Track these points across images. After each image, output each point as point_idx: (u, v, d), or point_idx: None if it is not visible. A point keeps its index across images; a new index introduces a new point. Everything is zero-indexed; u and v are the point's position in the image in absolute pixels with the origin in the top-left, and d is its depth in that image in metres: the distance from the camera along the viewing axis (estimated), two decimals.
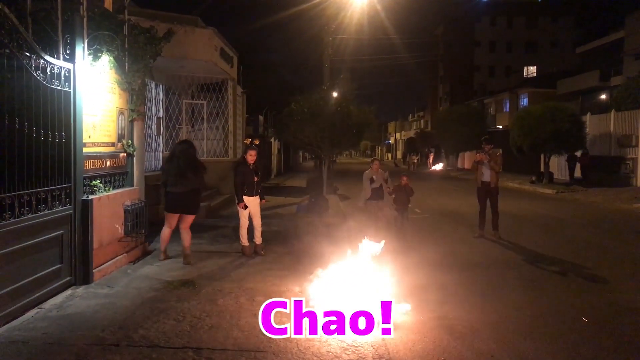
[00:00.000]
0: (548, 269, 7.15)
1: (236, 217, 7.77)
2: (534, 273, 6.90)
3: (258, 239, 7.67)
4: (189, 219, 7.13)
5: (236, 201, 7.57)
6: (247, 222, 7.57)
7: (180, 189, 6.94)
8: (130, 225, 6.86)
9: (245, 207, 7.46)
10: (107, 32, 6.17)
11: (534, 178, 22.39)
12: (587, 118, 22.60)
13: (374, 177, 8.56)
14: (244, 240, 7.57)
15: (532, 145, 21.24)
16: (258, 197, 7.65)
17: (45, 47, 5.29)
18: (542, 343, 4.39)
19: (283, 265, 6.95)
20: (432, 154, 42.62)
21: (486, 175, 9.18)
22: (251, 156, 7.52)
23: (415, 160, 42.78)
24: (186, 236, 7.05)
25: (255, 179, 7.51)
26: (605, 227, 11.28)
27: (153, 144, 12.93)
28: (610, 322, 4.94)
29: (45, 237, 5.10)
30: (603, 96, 32.30)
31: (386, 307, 4.30)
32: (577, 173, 22.02)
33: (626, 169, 19.78)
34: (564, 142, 20.44)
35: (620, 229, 11.04)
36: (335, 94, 16.82)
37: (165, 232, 7.10)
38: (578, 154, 21.62)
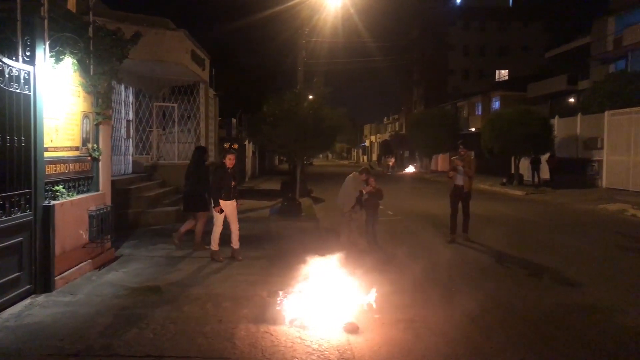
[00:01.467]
0: (515, 271, 7.27)
1: (209, 222, 7.70)
2: (501, 275, 7.01)
3: (235, 244, 7.62)
4: (197, 215, 8.04)
5: (212, 205, 7.52)
6: (222, 226, 7.52)
7: (185, 189, 8.23)
8: (96, 231, 6.73)
9: (221, 211, 7.42)
10: (69, 34, 6.04)
11: (504, 180, 22.83)
12: (556, 121, 23.14)
13: (362, 190, 8.62)
14: (215, 245, 7.50)
15: (503, 147, 21.67)
16: (235, 201, 7.62)
17: (4, 49, 5.16)
18: (505, 344, 4.46)
19: (253, 270, 6.90)
20: (392, 158, 43.82)
21: (459, 179, 9.27)
22: (230, 160, 7.52)
23: (391, 163, 43.24)
24: (197, 230, 8.04)
25: (233, 183, 7.48)
26: (572, 227, 11.54)
27: (122, 148, 12.72)
28: (575, 323, 5.03)
29: (3, 244, 4.95)
30: (571, 99, 33.12)
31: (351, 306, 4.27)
32: (545, 175, 22.49)
33: (592, 171, 20.32)
34: (534, 145, 20.93)
35: (587, 229, 11.31)
36: (310, 97, 16.80)
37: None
38: (544, 157, 22.11)
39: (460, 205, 9.38)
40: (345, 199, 8.59)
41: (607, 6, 30.48)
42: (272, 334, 4.51)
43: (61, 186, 6.15)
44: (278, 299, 5.19)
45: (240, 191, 8.01)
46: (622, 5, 28.19)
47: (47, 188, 5.83)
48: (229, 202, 7.51)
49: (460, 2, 58.69)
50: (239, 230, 7.70)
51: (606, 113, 19.57)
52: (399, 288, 6.04)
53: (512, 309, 5.42)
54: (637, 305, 5.64)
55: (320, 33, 22.31)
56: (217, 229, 7.50)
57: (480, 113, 43.12)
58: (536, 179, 22.10)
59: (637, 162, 17.69)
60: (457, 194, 9.35)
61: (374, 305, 5.14)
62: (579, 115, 21.81)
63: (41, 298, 5.40)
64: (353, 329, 4.64)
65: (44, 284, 5.55)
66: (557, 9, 54.65)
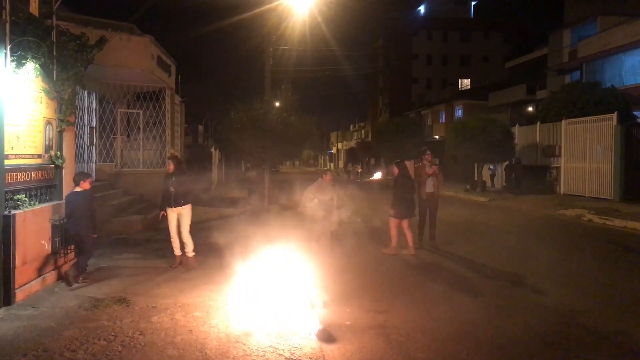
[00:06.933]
0: (482, 276, 7.44)
1: None
2: (468, 280, 7.15)
3: (188, 253, 7.55)
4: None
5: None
6: (174, 233, 7.52)
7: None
8: (59, 241, 6.53)
9: (163, 217, 7.54)
10: (32, 38, 5.87)
11: (468, 186, 23.36)
12: (516, 129, 23.88)
13: (319, 197, 8.76)
14: (176, 250, 7.55)
15: (466, 155, 22.17)
16: (177, 209, 7.46)
17: None
18: (473, 347, 4.56)
19: (221, 279, 6.82)
20: (359, 166, 45.03)
21: (429, 186, 9.40)
22: (170, 166, 7.65)
23: (358, 170, 43.66)
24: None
25: (172, 189, 7.39)
26: (534, 233, 11.90)
27: (85, 155, 12.40)
28: (537, 325, 5.20)
29: None
30: (530, 108, 34.26)
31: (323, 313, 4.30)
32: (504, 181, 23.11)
33: (551, 177, 21.05)
34: (496, 152, 21.52)
35: (552, 235, 11.68)
36: (277, 104, 16.79)
37: None
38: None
39: (428, 212, 9.52)
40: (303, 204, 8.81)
41: (562, 19, 31.78)
42: (244, 343, 4.47)
43: (22, 195, 5.95)
44: (249, 307, 5.17)
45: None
46: (576, 19, 29.45)
47: (8, 197, 5.63)
48: (168, 210, 7.47)
49: (424, 13, 60.09)
50: (199, 238, 7.72)
51: (563, 122, 20.31)
52: (370, 294, 6.09)
53: (480, 314, 5.54)
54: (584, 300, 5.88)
55: (288, 41, 22.39)
56: (171, 234, 7.56)
57: (444, 121, 44.04)
58: (508, 184, 22.66)
59: (592, 169, 18.44)
60: (427, 201, 9.44)
61: (346, 312, 5.17)
62: (538, 123, 22.57)
63: (1, 312, 5.19)
64: (325, 337, 4.65)
65: (4, 297, 5.34)
66: (516, 20, 56.63)
